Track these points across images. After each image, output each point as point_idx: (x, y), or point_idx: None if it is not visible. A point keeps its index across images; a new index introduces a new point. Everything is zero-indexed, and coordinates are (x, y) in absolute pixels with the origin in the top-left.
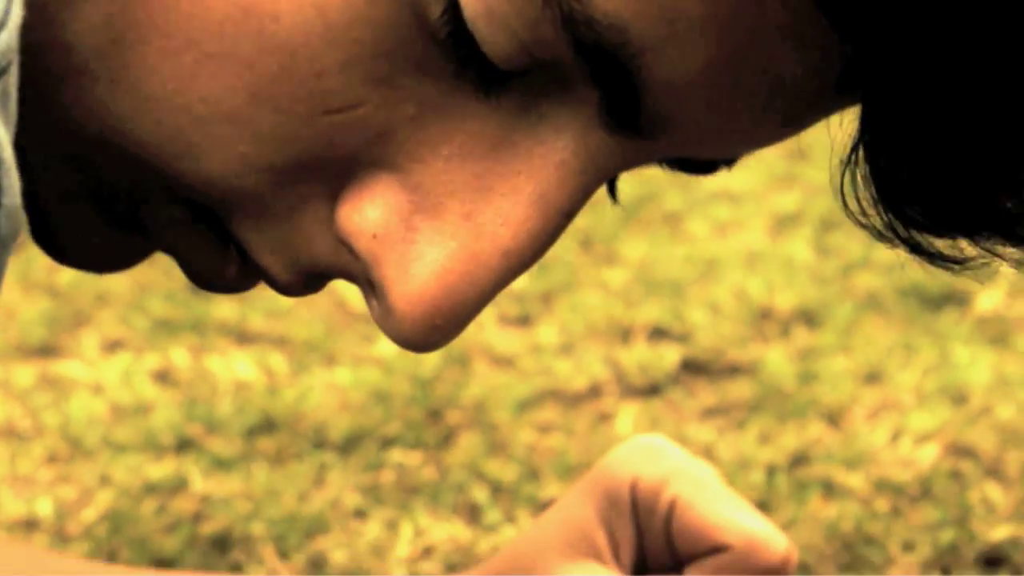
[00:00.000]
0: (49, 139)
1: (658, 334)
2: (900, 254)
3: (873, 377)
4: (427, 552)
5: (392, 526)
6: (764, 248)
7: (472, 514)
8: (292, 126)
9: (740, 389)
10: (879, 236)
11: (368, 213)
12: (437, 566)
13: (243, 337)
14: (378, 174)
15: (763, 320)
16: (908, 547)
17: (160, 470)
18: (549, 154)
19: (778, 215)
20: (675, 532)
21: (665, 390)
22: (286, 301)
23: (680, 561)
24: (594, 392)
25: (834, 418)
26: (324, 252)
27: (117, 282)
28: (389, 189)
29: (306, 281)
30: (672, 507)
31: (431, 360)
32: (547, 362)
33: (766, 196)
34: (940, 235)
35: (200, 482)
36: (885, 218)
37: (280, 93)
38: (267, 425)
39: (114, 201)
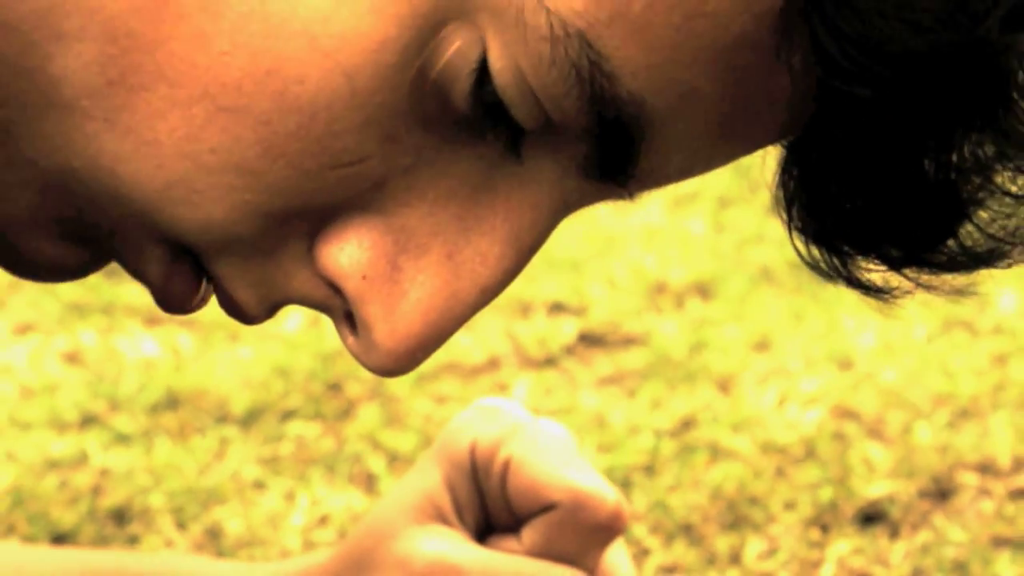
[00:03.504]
0: (19, 164)
1: (557, 309)
2: None
3: (763, 345)
4: (322, 521)
5: (289, 496)
6: (661, 225)
7: (368, 483)
8: (299, 178)
9: (634, 359)
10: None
11: (355, 255)
12: (332, 534)
13: (151, 319)
14: (363, 216)
15: (659, 293)
16: (790, 506)
17: (63, 446)
18: (526, 197)
19: (676, 194)
20: (509, 492)
21: (561, 361)
22: None
23: (520, 520)
24: (492, 365)
25: (724, 384)
26: (300, 287)
27: None
28: (375, 231)
29: (271, 311)
30: (507, 466)
31: (333, 336)
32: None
33: None
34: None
35: (101, 457)
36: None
37: (293, 149)
38: (171, 401)
39: (86, 230)
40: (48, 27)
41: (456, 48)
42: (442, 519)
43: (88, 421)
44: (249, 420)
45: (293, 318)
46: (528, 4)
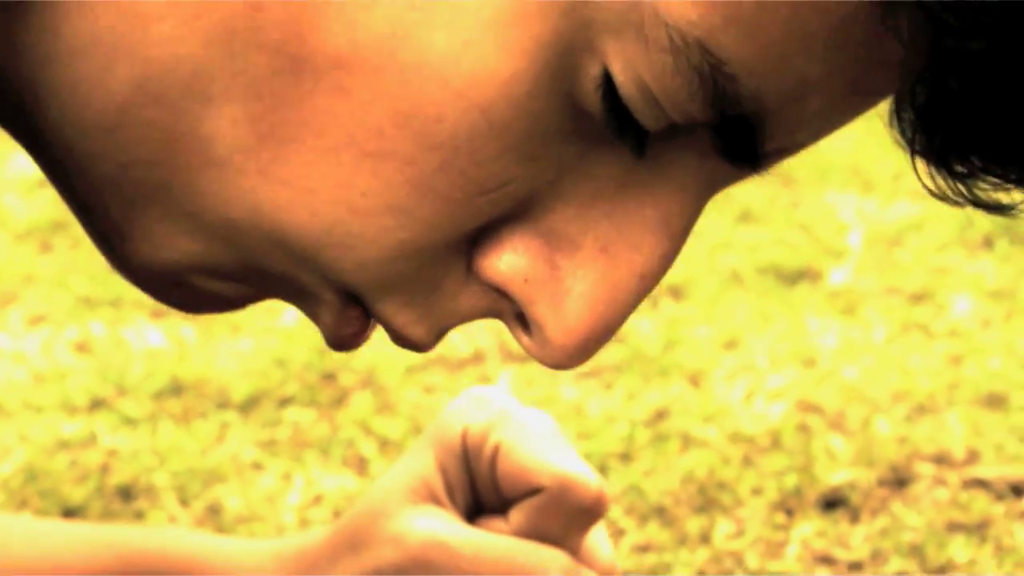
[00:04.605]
0: (181, 217)
1: None
2: (760, 236)
3: (732, 343)
4: (317, 500)
5: (286, 477)
6: None
7: (360, 466)
8: (449, 210)
9: (611, 354)
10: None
11: (513, 261)
12: (326, 513)
13: (157, 312)
14: (514, 225)
15: None
16: (756, 491)
17: (73, 428)
18: (670, 185)
19: None
20: (499, 475)
21: None
22: None
23: (508, 502)
24: (477, 358)
25: (695, 379)
26: (466, 304)
27: (43, 263)
28: (527, 236)
29: (440, 337)
30: (496, 451)
31: None
32: None
33: None
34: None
35: (109, 438)
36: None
37: (441, 183)
38: (175, 388)
39: (253, 272)
40: (195, 93)
41: (582, 68)
42: (434, 500)
43: (97, 405)
44: (248, 406)
45: (290, 312)
46: (647, 20)
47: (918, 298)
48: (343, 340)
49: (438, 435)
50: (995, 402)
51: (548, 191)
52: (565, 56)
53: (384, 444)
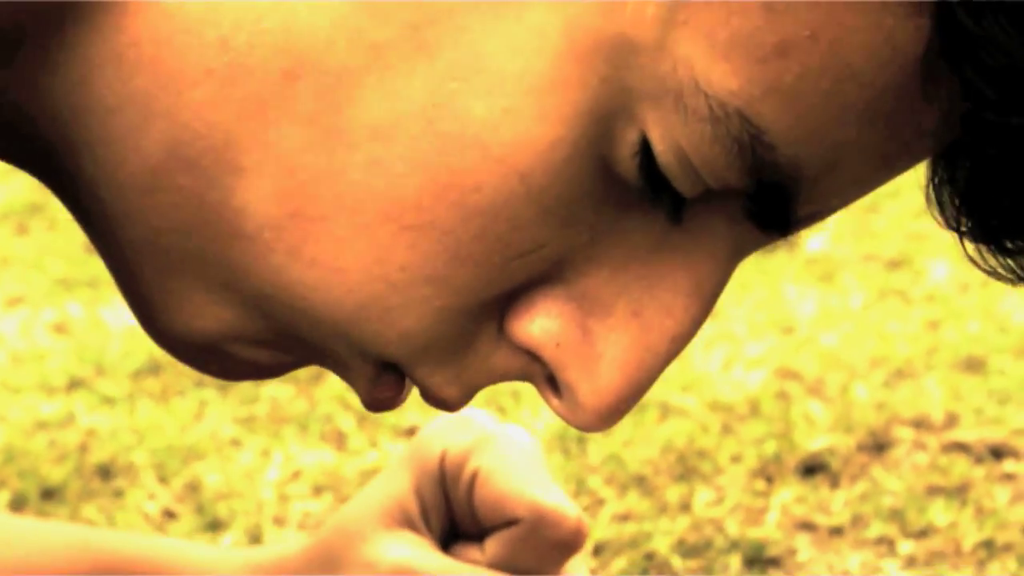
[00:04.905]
0: (216, 287)
1: None
2: None
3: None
4: (295, 475)
5: (265, 453)
6: None
7: (339, 441)
8: (486, 274)
9: None
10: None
11: (545, 325)
12: (304, 488)
13: None
14: (546, 288)
15: None
16: (736, 459)
17: (51, 408)
18: (702, 249)
19: None
20: (476, 503)
21: None
22: None
23: (485, 529)
24: None
25: None
26: (498, 366)
27: (20, 245)
28: (560, 300)
29: (472, 396)
30: (474, 478)
31: None
32: None
33: None
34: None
35: (87, 418)
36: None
37: (478, 250)
38: (153, 367)
39: (289, 341)
40: (226, 162)
41: (619, 135)
42: (409, 524)
43: (75, 385)
44: (226, 384)
45: None
46: (686, 90)
47: (895, 264)
48: (380, 404)
49: (416, 456)
50: (973, 366)
51: (581, 254)
52: (603, 123)
53: (362, 419)
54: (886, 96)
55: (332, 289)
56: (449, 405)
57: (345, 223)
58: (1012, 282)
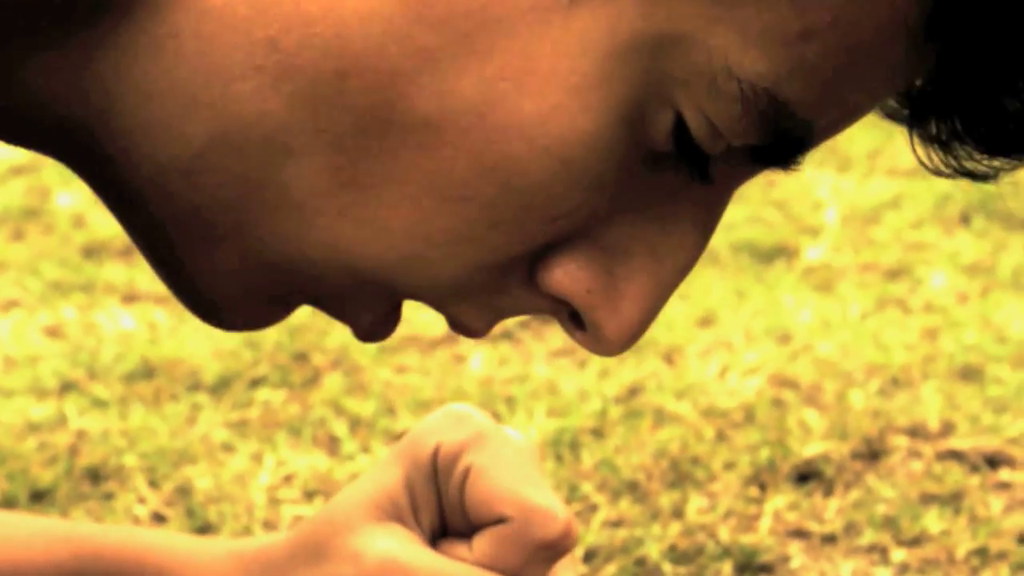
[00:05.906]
0: (247, 254)
1: None
2: (736, 214)
3: (707, 321)
4: (287, 480)
5: (256, 457)
6: None
7: (331, 446)
8: (521, 236)
9: None
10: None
11: (575, 274)
12: (296, 492)
13: (129, 297)
14: (575, 241)
15: None
16: (729, 466)
17: (43, 411)
18: (714, 192)
19: None
20: (466, 500)
21: (516, 335)
22: None
23: (474, 527)
24: (450, 338)
25: (669, 356)
26: (526, 306)
27: (15, 249)
28: (588, 251)
29: (494, 326)
30: (466, 475)
31: (300, 310)
32: (409, 313)
33: None
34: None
35: (78, 420)
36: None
37: (516, 218)
38: (146, 371)
39: (295, 295)
40: (276, 146)
41: (655, 116)
42: (398, 517)
43: (67, 388)
44: (219, 387)
45: None
46: (720, 75)
47: (894, 274)
48: (376, 336)
49: (409, 450)
50: (970, 375)
51: (606, 211)
52: (640, 108)
53: (356, 424)
54: (890, 60)
55: (378, 244)
56: (472, 333)
57: (393, 192)
58: (951, 177)
